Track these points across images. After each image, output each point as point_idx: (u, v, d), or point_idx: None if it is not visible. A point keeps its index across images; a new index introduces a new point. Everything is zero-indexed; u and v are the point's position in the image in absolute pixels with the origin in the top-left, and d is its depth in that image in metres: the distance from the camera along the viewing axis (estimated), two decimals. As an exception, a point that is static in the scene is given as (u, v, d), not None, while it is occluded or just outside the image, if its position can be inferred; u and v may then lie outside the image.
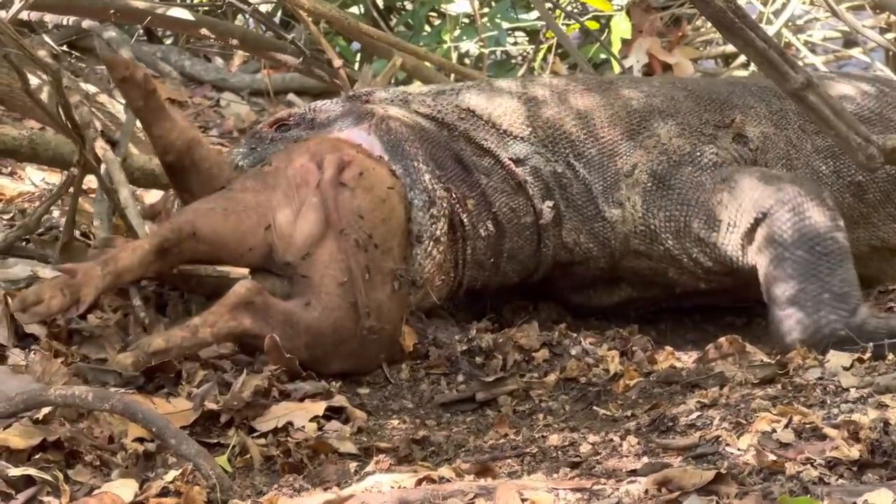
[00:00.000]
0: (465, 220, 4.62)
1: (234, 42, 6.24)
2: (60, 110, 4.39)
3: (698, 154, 4.79)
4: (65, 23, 6.49)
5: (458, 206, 4.60)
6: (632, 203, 4.75)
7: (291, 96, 8.84)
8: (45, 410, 3.39)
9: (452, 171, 4.66)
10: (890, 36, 8.46)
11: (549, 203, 4.73)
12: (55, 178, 5.59)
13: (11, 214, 5.20)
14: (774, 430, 3.32)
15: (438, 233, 4.49)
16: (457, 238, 4.61)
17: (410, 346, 4.40)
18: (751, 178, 4.65)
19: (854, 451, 3.15)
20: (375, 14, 9.05)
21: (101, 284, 4.01)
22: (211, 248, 4.23)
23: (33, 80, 5.10)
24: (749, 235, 4.55)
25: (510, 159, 4.74)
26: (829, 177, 4.91)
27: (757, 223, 4.53)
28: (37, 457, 3.29)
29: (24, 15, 5.40)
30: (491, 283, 4.79)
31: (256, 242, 4.25)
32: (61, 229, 4.62)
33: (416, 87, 5.03)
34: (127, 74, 4.28)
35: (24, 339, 3.98)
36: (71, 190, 4.60)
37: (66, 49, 7.30)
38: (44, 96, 5.09)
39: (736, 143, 4.85)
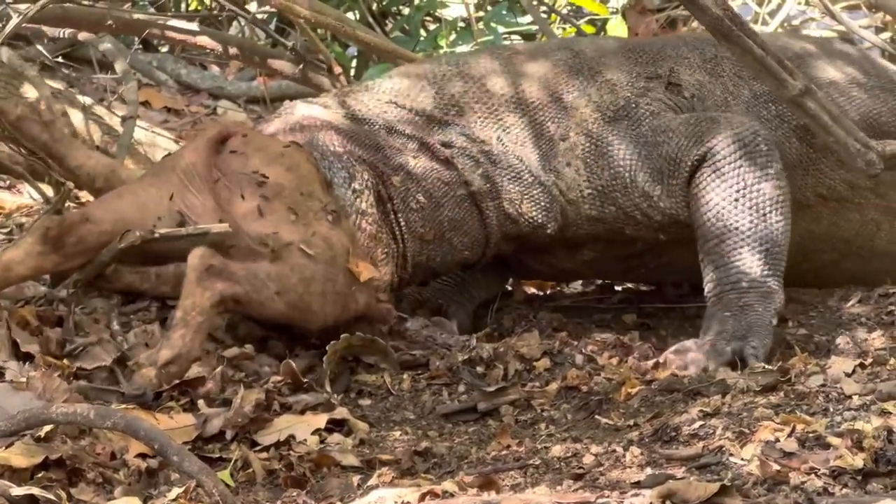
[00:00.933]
0: (392, 194, 4.60)
1: (233, 51, 6.22)
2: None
3: (633, 107, 4.75)
4: (61, 35, 6.48)
5: (381, 181, 4.59)
6: (574, 167, 4.71)
7: (288, 104, 8.84)
8: (47, 428, 3.38)
9: (373, 156, 4.62)
10: (885, 35, 8.46)
11: (479, 172, 4.68)
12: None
13: (9, 229, 5.20)
14: (778, 440, 3.31)
15: (364, 205, 4.50)
16: (387, 211, 4.59)
17: (365, 276, 4.39)
18: (686, 124, 4.64)
19: (858, 460, 3.14)
20: (371, 19, 9.05)
21: None
22: (113, 224, 4.16)
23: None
24: (688, 183, 4.58)
25: (436, 143, 4.70)
26: (771, 121, 4.84)
27: (693, 170, 4.55)
28: (39, 475, 3.27)
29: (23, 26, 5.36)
30: (446, 259, 4.77)
31: (163, 211, 4.21)
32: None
33: (332, 94, 5.02)
34: (18, 113, 4.26)
35: (21, 358, 3.96)
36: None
37: (62, 60, 7.30)
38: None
39: (670, 92, 4.81)
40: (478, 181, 4.69)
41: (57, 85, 5.96)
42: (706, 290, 4.56)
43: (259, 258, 4.15)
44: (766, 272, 4.48)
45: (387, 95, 4.77)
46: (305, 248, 4.18)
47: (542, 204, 4.74)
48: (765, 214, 4.48)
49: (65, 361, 3.98)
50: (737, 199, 4.49)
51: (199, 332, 3.99)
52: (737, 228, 4.48)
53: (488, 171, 4.71)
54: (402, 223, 4.61)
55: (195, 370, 3.97)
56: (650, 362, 4.32)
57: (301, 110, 4.68)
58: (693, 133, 4.60)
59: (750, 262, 4.46)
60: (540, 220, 4.75)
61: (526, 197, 4.73)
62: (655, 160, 4.63)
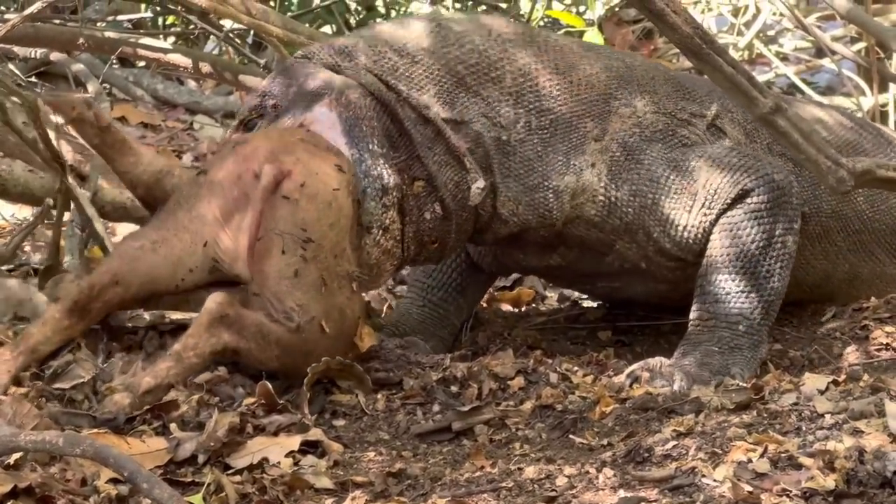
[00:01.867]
0: (412, 205, 4.53)
1: (207, 69, 6.21)
2: (39, 140, 4.39)
3: (671, 133, 4.70)
4: (33, 55, 6.46)
5: (407, 190, 4.51)
6: (597, 171, 4.64)
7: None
8: (16, 456, 3.36)
9: (403, 149, 4.53)
10: (859, 45, 8.49)
11: (480, 185, 4.53)
12: (26, 211, 5.57)
13: (-17, 248, 5.18)
14: (750, 460, 3.31)
15: (388, 222, 4.45)
16: (404, 222, 4.53)
17: (367, 346, 4.40)
18: (728, 155, 4.60)
19: (829, 481, 3.14)
20: (347, 32, 9.04)
21: (15, 366, 3.97)
22: (141, 286, 4.15)
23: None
24: (719, 216, 4.54)
25: (449, 120, 4.56)
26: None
27: (730, 205, 4.52)
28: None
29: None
30: (434, 260, 4.79)
31: (196, 262, 4.17)
32: (34, 264, 4.61)
33: (355, 35, 4.87)
34: (75, 115, 4.24)
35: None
36: (54, 215, 4.59)
37: (35, 79, 7.28)
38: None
39: (711, 134, 4.77)
40: (476, 193, 4.56)
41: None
42: (695, 314, 4.56)
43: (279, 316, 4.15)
44: (763, 322, 4.52)
45: (406, 50, 4.63)
46: (324, 325, 4.18)
47: (542, 208, 4.65)
48: (782, 267, 4.51)
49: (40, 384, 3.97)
50: (764, 247, 4.50)
51: (188, 371, 4.00)
52: (754, 273, 4.48)
53: (494, 170, 4.61)
54: (411, 234, 4.56)
55: (170, 395, 3.96)
56: (624, 376, 4.32)
57: (339, 79, 4.52)
58: (736, 167, 4.55)
59: (754, 309, 4.49)
60: (533, 223, 4.67)
61: (527, 199, 4.64)
62: (688, 188, 4.58)
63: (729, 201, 4.51)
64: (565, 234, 4.73)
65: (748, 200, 4.51)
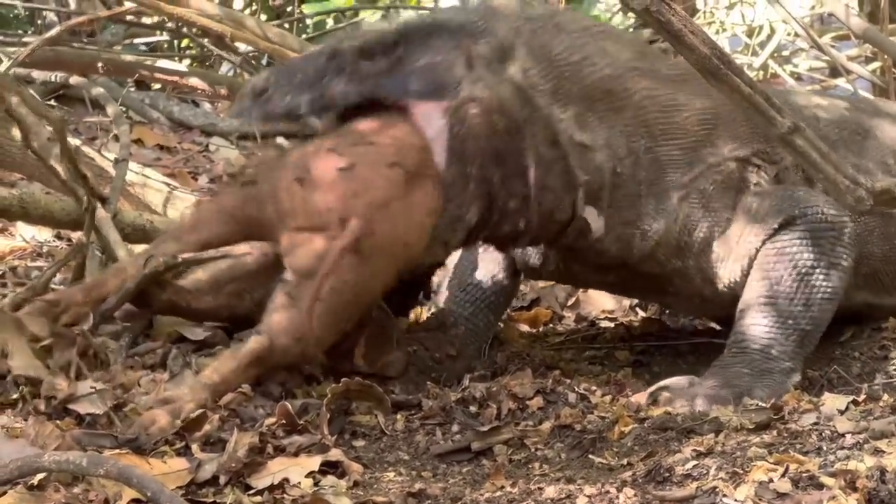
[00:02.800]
0: (495, 219, 4.45)
1: (223, 92, 6.23)
2: (66, 162, 4.41)
3: (743, 179, 4.61)
4: (52, 78, 6.49)
5: (487, 213, 4.42)
6: (677, 216, 4.56)
7: (280, 139, 8.85)
8: (40, 476, 3.37)
9: (511, 168, 4.39)
10: (875, 65, 8.50)
11: (594, 213, 4.51)
12: (46, 233, 5.60)
13: (2, 272, 5.20)
14: (771, 480, 3.31)
15: (451, 240, 4.43)
16: (477, 234, 4.50)
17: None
18: (786, 188, 4.56)
19: (851, 501, 3.14)
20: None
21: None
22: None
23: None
24: (764, 242, 4.48)
25: (577, 143, 4.45)
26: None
27: (777, 230, 4.46)
28: (32, 524, 3.27)
29: (11, 71, 5.38)
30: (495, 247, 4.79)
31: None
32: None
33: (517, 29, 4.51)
34: None
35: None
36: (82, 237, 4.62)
37: (53, 102, 7.32)
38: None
39: (777, 180, 4.67)
40: (596, 226, 4.53)
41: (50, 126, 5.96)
42: (731, 339, 4.50)
43: None
44: (798, 351, 4.45)
45: (568, 58, 4.49)
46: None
47: (628, 244, 4.59)
48: (823, 300, 4.43)
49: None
50: (804, 276, 4.42)
51: (219, 395, 4.06)
52: (792, 299, 4.42)
53: (603, 204, 4.53)
54: (482, 237, 4.56)
55: (192, 415, 3.97)
56: (644, 396, 4.32)
57: (467, 86, 4.36)
58: (785, 198, 4.50)
59: (789, 337, 4.42)
60: (613, 253, 4.62)
61: (616, 233, 4.58)
62: (741, 230, 4.52)
63: (772, 230, 4.46)
64: (630, 264, 4.68)
65: (791, 228, 4.45)
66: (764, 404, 4.08)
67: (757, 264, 4.47)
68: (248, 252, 4.25)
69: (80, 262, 4.52)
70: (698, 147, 4.59)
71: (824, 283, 4.43)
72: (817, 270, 4.42)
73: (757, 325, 4.44)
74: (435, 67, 4.37)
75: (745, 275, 4.51)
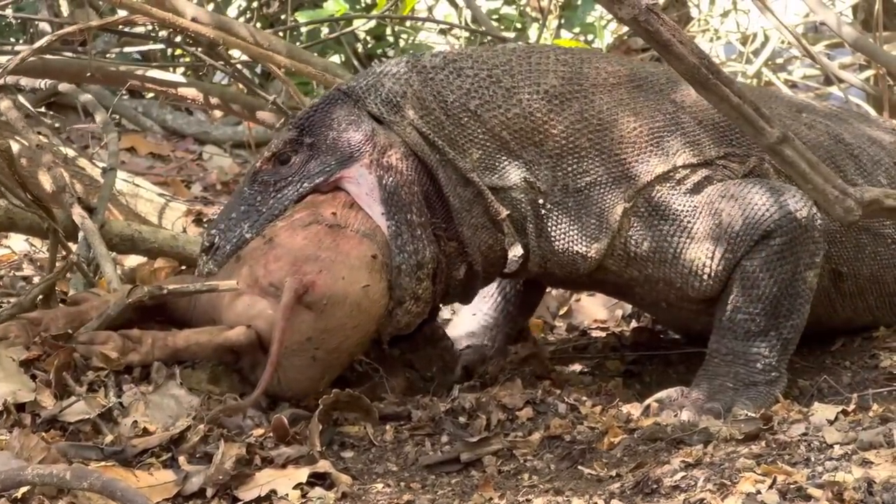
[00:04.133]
0: (443, 266, 4.48)
1: (216, 101, 6.22)
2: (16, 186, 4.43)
3: (705, 181, 4.54)
4: (40, 85, 6.48)
5: (442, 256, 4.45)
6: (623, 230, 4.52)
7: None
8: (24, 489, 3.36)
9: (439, 211, 4.45)
10: (868, 73, 8.49)
11: (517, 253, 4.50)
12: (38, 241, 5.58)
13: (-6, 280, 5.20)
14: (759, 492, 3.30)
15: (420, 291, 4.42)
16: (435, 285, 4.48)
17: None
18: (752, 192, 4.44)
19: (839, 513, 3.14)
20: (356, 62, 9.07)
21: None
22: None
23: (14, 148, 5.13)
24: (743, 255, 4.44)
25: (491, 188, 4.47)
26: None
27: (755, 243, 4.41)
28: (16, 537, 3.27)
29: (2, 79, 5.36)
30: (458, 301, 4.80)
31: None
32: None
33: (404, 79, 4.56)
34: None
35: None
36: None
37: (44, 109, 7.30)
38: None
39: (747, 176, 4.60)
40: (513, 262, 4.53)
41: (39, 133, 5.95)
42: (714, 346, 4.49)
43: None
44: (782, 360, 4.44)
45: (460, 100, 4.51)
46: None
47: (570, 266, 4.57)
48: (802, 304, 4.43)
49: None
50: (785, 287, 4.41)
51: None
52: (774, 313, 4.41)
53: (529, 233, 4.53)
54: (440, 291, 4.52)
55: (178, 426, 3.96)
56: (634, 408, 4.32)
57: (381, 134, 4.44)
58: (757, 206, 4.41)
59: (773, 349, 4.41)
60: (558, 275, 4.65)
61: (556, 259, 4.57)
62: (710, 234, 4.46)
63: (751, 244, 4.41)
64: (587, 277, 4.67)
65: (770, 242, 4.40)
66: (753, 415, 4.06)
67: (738, 277, 4.44)
68: (233, 286, 4.25)
69: (51, 279, 4.49)
70: (643, 158, 4.54)
71: (804, 288, 4.42)
72: (798, 279, 4.41)
73: (740, 338, 4.43)
74: (343, 134, 4.47)
75: (722, 286, 4.48)
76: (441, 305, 4.79)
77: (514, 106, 4.53)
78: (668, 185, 4.53)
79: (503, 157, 4.51)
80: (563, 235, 4.54)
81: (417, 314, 4.47)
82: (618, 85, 4.64)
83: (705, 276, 4.48)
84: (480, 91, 4.53)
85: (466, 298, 4.77)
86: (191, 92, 6.15)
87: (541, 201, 4.51)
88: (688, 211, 4.49)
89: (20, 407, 3.95)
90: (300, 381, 4.25)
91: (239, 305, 4.23)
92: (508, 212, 4.49)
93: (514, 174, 4.51)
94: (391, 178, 4.40)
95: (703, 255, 4.47)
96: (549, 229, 4.54)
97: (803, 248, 4.40)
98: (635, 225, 4.52)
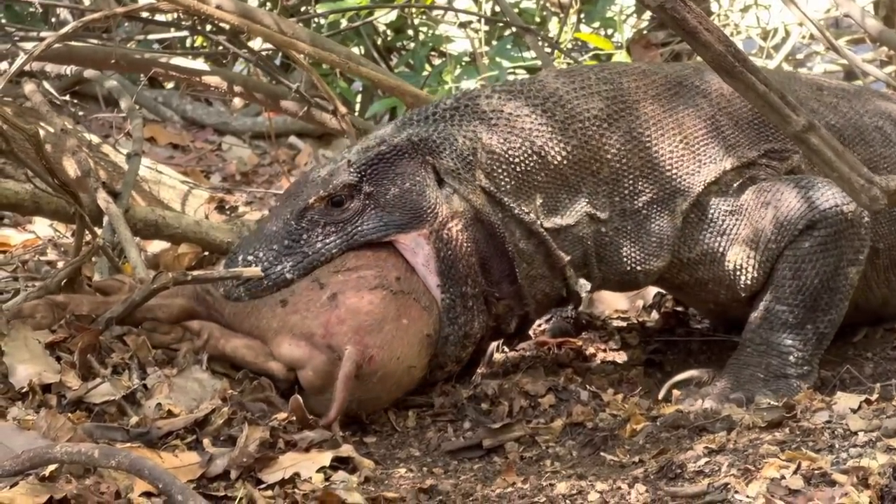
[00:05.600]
0: (493, 325, 4.45)
1: (239, 90, 6.22)
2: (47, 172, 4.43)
3: (749, 181, 4.55)
4: (65, 72, 6.50)
5: (490, 319, 4.41)
6: (679, 240, 4.53)
7: (293, 139, 8.88)
8: (52, 467, 3.37)
9: (497, 271, 4.39)
10: (890, 69, 8.47)
11: (587, 287, 4.48)
12: (62, 226, 5.59)
13: (14, 266, 5.20)
14: (783, 477, 3.30)
15: (463, 355, 4.40)
16: (480, 341, 4.47)
17: None
18: (796, 185, 4.46)
19: (864, 498, 3.14)
20: (376, 54, 9.07)
21: None
22: None
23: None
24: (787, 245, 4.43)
25: (552, 229, 4.41)
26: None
27: (797, 235, 4.41)
28: (44, 515, 3.27)
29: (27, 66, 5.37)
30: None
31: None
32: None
33: (473, 132, 4.43)
34: None
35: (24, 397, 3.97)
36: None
37: (69, 97, 7.32)
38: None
39: (790, 174, 4.61)
40: (579, 297, 4.53)
41: (63, 122, 5.96)
42: (748, 335, 4.48)
43: None
44: (815, 354, 4.44)
45: (530, 172, 4.44)
46: None
47: (629, 282, 4.60)
48: (840, 299, 4.41)
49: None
50: (827, 280, 4.39)
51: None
52: (813, 306, 4.40)
53: (592, 264, 4.51)
54: (488, 338, 4.54)
55: (206, 406, 3.97)
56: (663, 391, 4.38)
57: (443, 204, 4.33)
58: (803, 198, 4.42)
59: (808, 342, 4.41)
60: (616, 289, 4.75)
61: (616, 279, 4.58)
62: (755, 229, 4.47)
63: (796, 233, 4.41)
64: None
65: (814, 233, 4.40)
66: (776, 403, 4.07)
67: (780, 267, 4.44)
68: (258, 273, 4.26)
69: (77, 263, 4.50)
70: (693, 169, 4.53)
71: (844, 284, 4.40)
72: (840, 274, 4.40)
73: (776, 330, 4.43)
74: (407, 195, 4.34)
75: (766, 278, 4.47)
76: None
77: (572, 138, 4.47)
78: (716, 191, 4.53)
79: (564, 196, 4.45)
80: (625, 259, 4.52)
81: (453, 372, 4.47)
82: (658, 96, 4.61)
83: (750, 271, 4.48)
84: (541, 129, 4.46)
85: (510, 343, 4.85)
86: (214, 80, 6.16)
87: (603, 230, 4.48)
88: (735, 212, 4.50)
89: (46, 388, 3.97)
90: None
91: (284, 346, 4.20)
92: (569, 257, 4.45)
93: (576, 209, 4.46)
94: (450, 252, 4.31)
95: (747, 250, 4.48)
96: (610, 255, 4.52)
97: (848, 243, 4.40)
98: (687, 230, 4.52)
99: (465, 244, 4.31)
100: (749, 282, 4.50)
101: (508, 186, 4.39)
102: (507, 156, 4.40)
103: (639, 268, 4.52)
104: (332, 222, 4.34)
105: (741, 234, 4.49)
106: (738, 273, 4.50)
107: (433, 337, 4.30)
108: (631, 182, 4.49)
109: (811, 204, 4.41)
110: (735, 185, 4.53)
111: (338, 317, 4.18)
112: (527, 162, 4.41)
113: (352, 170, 4.36)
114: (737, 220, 4.50)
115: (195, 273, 4.32)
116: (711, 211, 4.52)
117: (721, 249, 4.51)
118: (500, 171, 4.39)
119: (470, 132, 4.42)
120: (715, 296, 4.64)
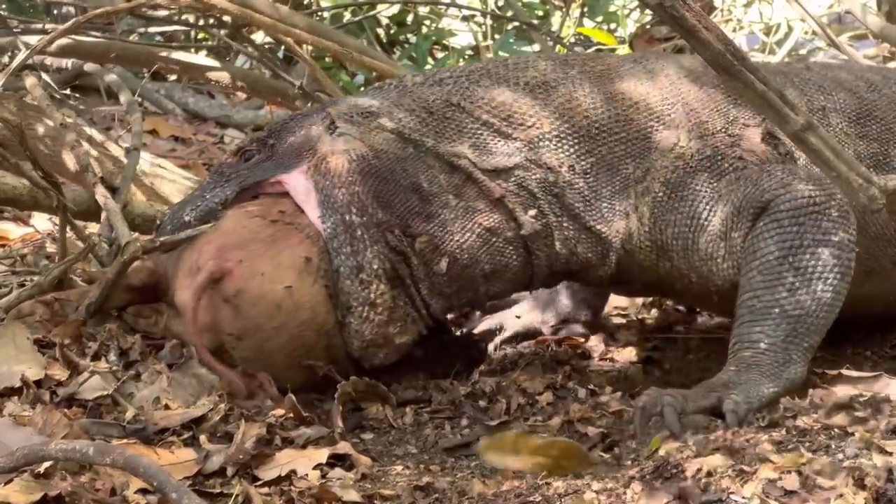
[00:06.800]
0: (412, 264, 4.33)
1: (241, 85, 6.22)
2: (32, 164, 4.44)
3: (720, 157, 4.42)
4: (66, 65, 6.49)
5: (398, 255, 4.31)
6: (639, 213, 4.41)
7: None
8: (47, 464, 3.37)
9: (402, 206, 4.33)
10: (892, 65, 8.46)
11: (532, 212, 4.38)
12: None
13: (13, 260, 5.20)
14: (779, 478, 3.30)
15: (373, 296, 4.27)
16: (405, 286, 4.34)
17: None
18: (760, 172, 4.33)
19: (859, 499, 3.13)
20: (378, 48, 9.07)
21: None
22: None
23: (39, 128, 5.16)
24: (748, 233, 4.29)
25: (487, 170, 4.38)
26: None
27: (755, 218, 4.27)
28: (38, 512, 3.27)
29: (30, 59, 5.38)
30: (476, 302, 4.61)
31: None
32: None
33: (408, 80, 4.61)
34: None
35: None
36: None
37: (68, 92, 7.32)
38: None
39: (765, 143, 4.47)
40: (528, 224, 4.39)
41: (63, 116, 5.96)
42: (730, 342, 4.26)
43: None
44: (789, 340, 4.16)
45: (457, 94, 4.50)
46: None
47: (601, 247, 4.45)
48: (809, 280, 4.17)
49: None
50: (785, 256, 4.20)
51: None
52: (775, 286, 4.19)
53: (544, 207, 4.42)
54: (425, 291, 4.37)
55: (199, 406, 3.97)
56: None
57: (326, 143, 4.40)
58: (763, 181, 4.30)
59: (776, 326, 4.16)
60: (594, 261, 4.48)
61: (584, 237, 4.44)
62: (722, 215, 4.35)
63: (753, 216, 4.27)
64: (624, 276, 4.55)
65: (769, 210, 4.24)
66: (739, 403, 3.96)
67: (744, 254, 4.27)
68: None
69: (62, 256, 4.50)
70: (650, 134, 4.46)
71: (813, 263, 4.18)
72: (804, 251, 4.19)
73: (745, 320, 4.21)
74: (296, 142, 4.46)
75: (736, 270, 4.32)
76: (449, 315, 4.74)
77: (503, 93, 4.50)
78: (680, 161, 4.45)
79: (499, 142, 4.44)
80: (582, 214, 4.42)
81: (388, 322, 4.33)
82: (612, 63, 4.65)
83: (722, 259, 4.35)
84: (466, 87, 4.53)
85: (477, 304, 4.70)
86: (216, 75, 6.15)
87: (551, 179, 4.42)
88: (706, 193, 4.39)
89: (38, 383, 3.97)
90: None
91: (180, 294, 4.23)
92: (511, 189, 4.40)
93: (513, 157, 4.43)
94: (327, 182, 4.33)
95: (718, 238, 4.35)
96: (567, 206, 4.42)
97: (811, 221, 4.20)
98: (655, 210, 4.41)
99: (345, 175, 4.32)
100: (725, 271, 4.36)
101: (425, 130, 4.44)
102: (424, 107, 4.48)
103: (599, 227, 4.42)
104: (235, 172, 4.49)
105: (711, 219, 4.36)
106: (711, 262, 4.37)
107: (316, 262, 4.23)
108: (575, 141, 4.45)
109: (768, 185, 4.29)
110: (703, 158, 4.43)
111: (208, 239, 4.25)
112: (446, 111, 4.48)
113: (266, 129, 4.59)
114: (706, 204, 4.38)
115: (162, 238, 4.33)
116: (679, 188, 4.41)
117: (692, 235, 4.38)
118: (412, 118, 4.45)
119: (379, 93, 4.56)
120: (704, 287, 4.45)
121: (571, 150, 4.45)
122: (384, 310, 4.30)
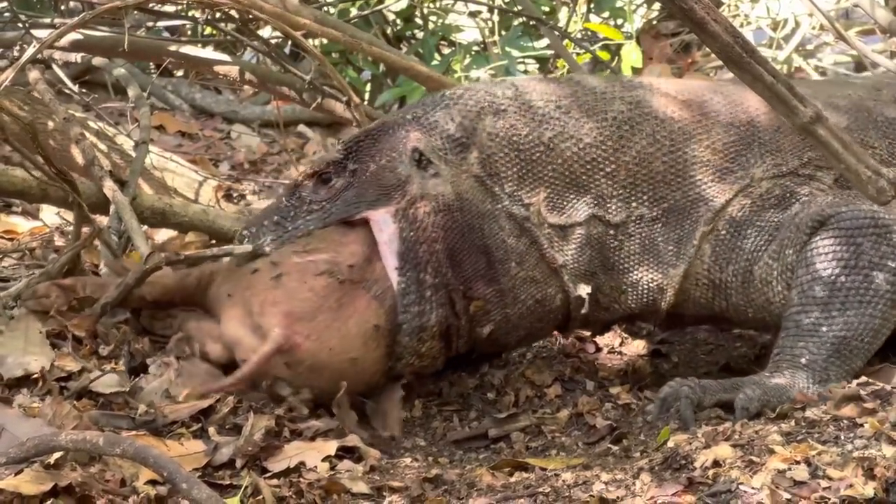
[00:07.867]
0: (461, 323, 4.23)
1: (252, 79, 6.21)
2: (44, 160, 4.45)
3: (788, 195, 4.31)
4: (75, 59, 6.49)
5: (455, 316, 4.21)
6: (700, 253, 4.29)
7: (302, 127, 8.87)
8: (57, 455, 3.37)
9: (471, 268, 4.20)
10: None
11: (587, 290, 4.27)
12: (70, 215, 5.58)
13: (21, 254, 5.20)
14: (789, 468, 3.30)
15: (424, 350, 4.19)
16: (450, 338, 4.24)
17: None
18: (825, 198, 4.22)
19: (869, 490, 3.13)
20: (385, 44, 9.05)
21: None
22: None
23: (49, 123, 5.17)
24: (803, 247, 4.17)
25: (554, 226, 4.23)
26: None
27: (812, 232, 4.16)
28: (48, 503, 3.27)
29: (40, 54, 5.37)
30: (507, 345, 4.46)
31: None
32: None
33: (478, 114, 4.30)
34: None
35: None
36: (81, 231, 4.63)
37: (77, 85, 7.32)
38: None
39: (838, 186, 4.34)
40: (580, 294, 4.28)
41: (72, 110, 5.97)
42: (772, 352, 4.18)
43: None
44: (831, 360, 4.08)
45: (529, 138, 4.26)
46: None
47: (649, 298, 4.34)
48: (860, 303, 4.08)
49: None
50: (839, 275, 4.11)
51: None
52: (825, 304, 4.10)
53: (597, 272, 4.29)
54: (461, 342, 4.26)
55: (207, 398, 3.98)
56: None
57: (416, 183, 4.18)
58: (826, 199, 4.20)
59: (820, 344, 4.08)
60: (637, 311, 4.39)
61: (632, 291, 4.34)
62: (780, 238, 4.23)
63: (810, 230, 4.17)
64: (675, 315, 4.45)
65: (827, 225, 4.14)
66: (752, 399, 3.92)
67: (797, 267, 4.16)
68: (248, 249, 4.25)
69: (74, 253, 4.50)
70: (721, 175, 4.33)
71: (865, 285, 4.09)
72: (857, 272, 4.10)
73: (790, 334, 4.13)
74: (381, 171, 4.24)
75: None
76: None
77: (587, 135, 4.31)
78: (747, 200, 4.32)
79: (570, 194, 4.28)
80: (636, 266, 4.33)
81: (422, 367, 4.26)
82: (690, 101, 4.44)
83: (773, 283, 4.24)
84: (554, 121, 4.31)
85: (496, 356, 4.59)
86: (224, 69, 6.14)
87: (612, 232, 4.28)
88: (768, 226, 4.28)
89: (46, 377, 3.98)
90: None
91: (230, 325, 4.16)
92: (572, 252, 4.26)
93: (581, 211, 4.28)
94: (412, 233, 4.16)
95: (777, 264, 4.24)
96: (620, 261, 4.31)
97: (869, 243, 4.12)
98: (717, 248, 4.30)
99: (430, 228, 4.16)
100: (777, 297, 4.24)
101: (508, 175, 4.26)
102: (511, 142, 4.27)
103: (653, 276, 4.31)
104: (316, 200, 4.28)
105: (771, 248, 4.25)
106: (771, 290, 4.24)
107: (383, 328, 4.13)
108: (649, 188, 4.30)
109: (828, 206, 4.20)
110: (770, 197, 4.32)
111: (273, 298, 4.11)
112: (533, 151, 4.28)
113: (339, 147, 4.32)
114: (766, 235, 4.27)
115: (187, 253, 4.33)
116: (743, 226, 4.29)
117: (754, 268, 4.26)
118: (500, 157, 4.26)
119: (473, 112, 4.31)
120: (761, 317, 4.33)
121: (644, 197, 4.31)
122: (428, 359, 4.22)
